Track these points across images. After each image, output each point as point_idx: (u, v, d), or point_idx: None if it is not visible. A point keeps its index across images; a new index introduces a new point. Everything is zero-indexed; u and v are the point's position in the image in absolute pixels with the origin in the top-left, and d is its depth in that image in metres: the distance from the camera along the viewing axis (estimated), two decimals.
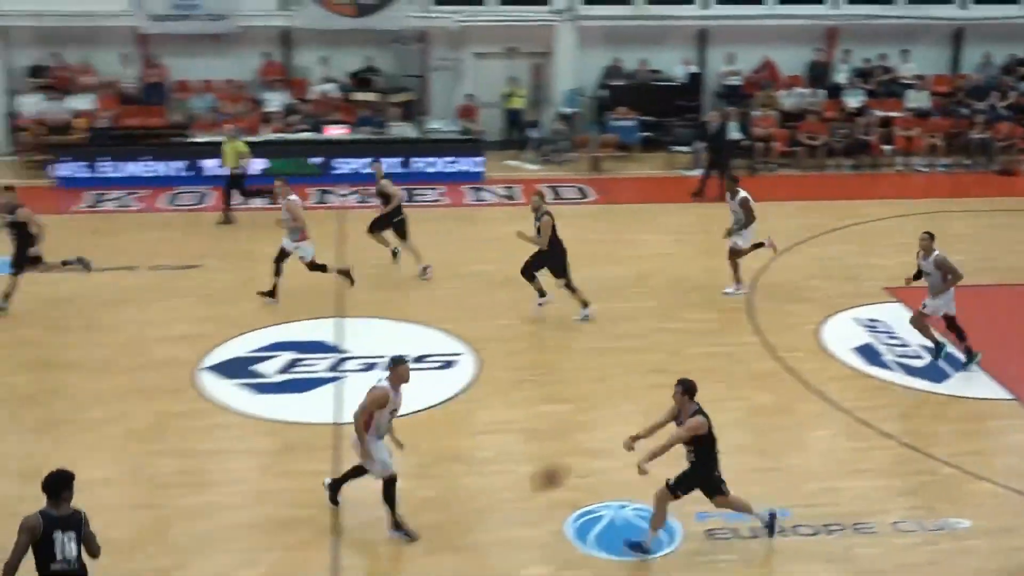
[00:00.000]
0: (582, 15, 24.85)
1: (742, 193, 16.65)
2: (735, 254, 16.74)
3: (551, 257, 15.62)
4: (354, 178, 22.05)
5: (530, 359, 14.78)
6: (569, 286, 15.76)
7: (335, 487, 11.16)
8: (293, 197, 16.45)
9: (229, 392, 13.71)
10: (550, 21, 24.86)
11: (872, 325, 15.70)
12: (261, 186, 19.99)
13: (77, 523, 8.36)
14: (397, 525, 10.73)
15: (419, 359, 14.61)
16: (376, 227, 17.82)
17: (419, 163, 22.81)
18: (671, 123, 24.42)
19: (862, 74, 25.99)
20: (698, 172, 22.60)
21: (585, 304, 15.82)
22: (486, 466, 12.24)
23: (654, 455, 10.10)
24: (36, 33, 23.75)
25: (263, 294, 16.24)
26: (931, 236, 14.29)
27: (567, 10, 24.78)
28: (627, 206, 21.62)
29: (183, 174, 22.03)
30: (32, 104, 23.41)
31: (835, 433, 13.23)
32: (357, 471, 11.04)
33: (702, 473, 10.30)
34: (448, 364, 14.59)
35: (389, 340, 15.10)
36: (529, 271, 15.79)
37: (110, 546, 10.58)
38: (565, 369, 14.50)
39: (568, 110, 24.82)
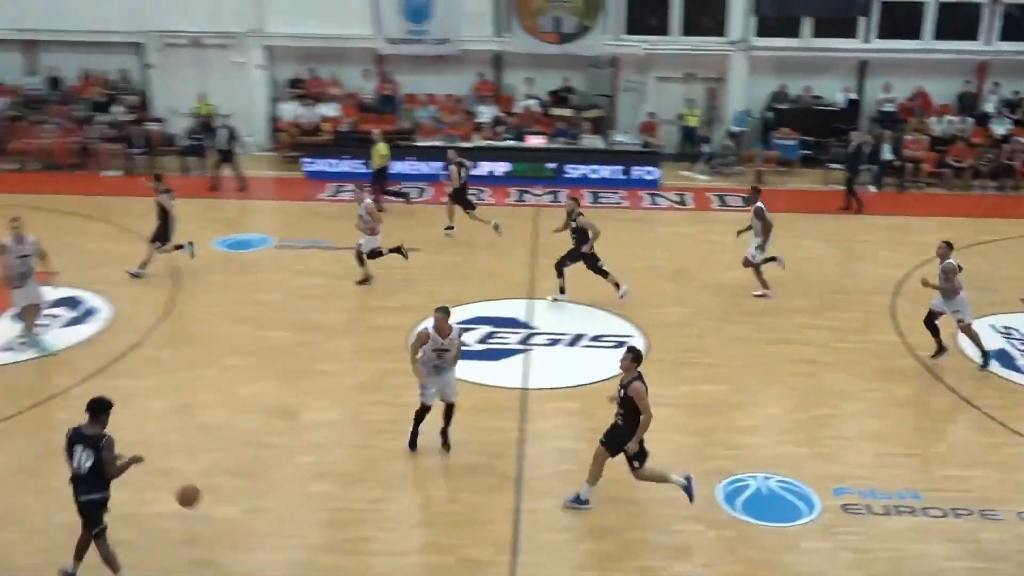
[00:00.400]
0: (754, 46, 24.20)
1: (758, 203, 16.04)
2: (747, 263, 16.06)
3: (579, 252, 15.36)
4: (582, 182, 22.22)
5: (693, 344, 14.52)
6: (560, 270, 15.58)
7: (445, 437, 11.50)
8: (368, 200, 16.49)
9: None
10: (726, 51, 24.30)
11: (1007, 332, 14.83)
12: (397, 185, 20.65)
13: (97, 444, 8.71)
14: (412, 441, 11.45)
15: (596, 338, 14.59)
16: (467, 207, 18.75)
17: (604, 170, 22.68)
18: (829, 143, 23.51)
19: (1009, 104, 24.45)
20: (872, 189, 22.10)
21: (563, 290, 15.62)
22: (650, 434, 12.06)
23: (637, 439, 10.05)
24: (296, 52, 24.63)
25: (401, 255, 16.44)
26: (949, 245, 13.65)
27: (741, 41, 24.18)
28: (786, 215, 20.82)
29: (409, 171, 22.50)
30: (290, 110, 24.29)
31: (966, 427, 12.57)
32: (448, 415, 11.45)
33: (623, 432, 10.14)
34: (621, 344, 14.38)
35: (571, 320, 15.12)
36: (597, 269, 15.54)
37: (334, 477, 11.02)
38: (723, 355, 14.20)
39: (737, 129, 24.23)
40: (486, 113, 24.02)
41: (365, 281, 16.38)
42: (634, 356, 10.13)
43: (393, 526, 10.30)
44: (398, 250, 16.54)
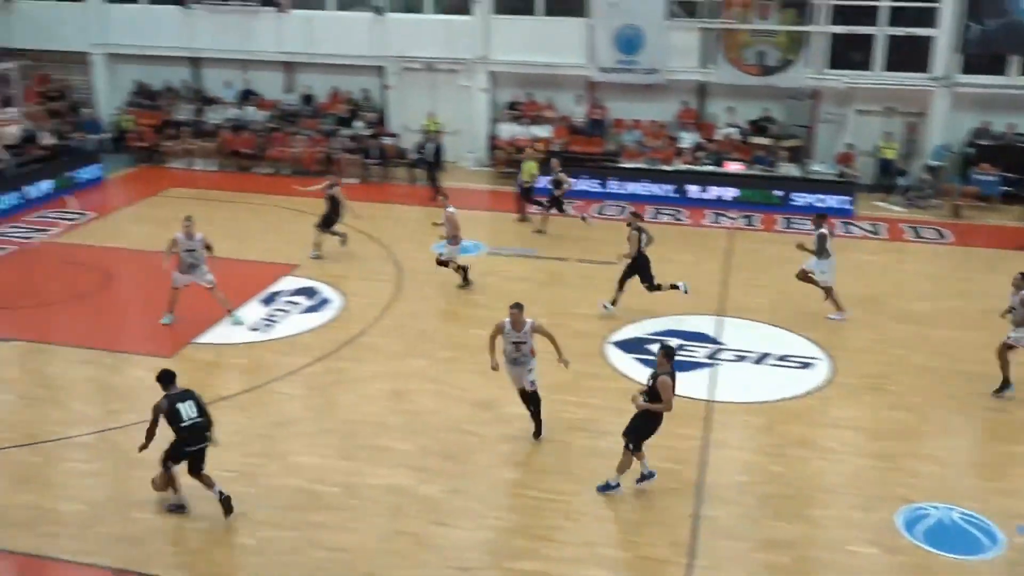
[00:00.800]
0: (958, 82, 22.73)
1: (820, 229, 15.28)
2: (804, 276, 15.41)
3: (638, 267, 15.17)
4: (808, 210, 21.25)
5: (879, 370, 13.74)
6: (652, 288, 15.31)
7: (538, 427, 11.62)
8: (451, 209, 16.45)
9: (627, 364, 13.80)
10: (928, 87, 22.93)
11: None
12: (544, 198, 20.30)
13: (192, 396, 9.71)
14: (536, 429, 11.65)
15: (782, 358, 14.04)
16: (552, 204, 19.68)
17: (799, 198, 21.84)
18: None
19: None
20: None
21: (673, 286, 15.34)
22: (830, 454, 11.55)
23: (646, 406, 10.16)
24: (516, 77, 25.00)
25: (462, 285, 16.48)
26: None
27: (944, 78, 22.76)
28: (980, 250, 19.57)
29: (611, 190, 22.46)
30: (507, 130, 24.70)
31: None
32: (526, 401, 11.63)
33: (640, 421, 10.24)
34: (806, 365, 13.88)
35: (759, 339, 14.60)
36: (623, 280, 15.31)
37: (527, 467, 11.08)
38: (910, 383, 13.35)
39: (935, 163, 22.80)
40: (687, 139, 23.62)
41: (465, 278, 16.55)
42: (666, 352, 10.20)
43: (578, 517, 10.24)
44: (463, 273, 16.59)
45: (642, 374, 13.33)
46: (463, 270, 16.60)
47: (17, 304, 15.77)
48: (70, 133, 24.90)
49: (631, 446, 10.39)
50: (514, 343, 11.33)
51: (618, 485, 10.52)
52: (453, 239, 16.45)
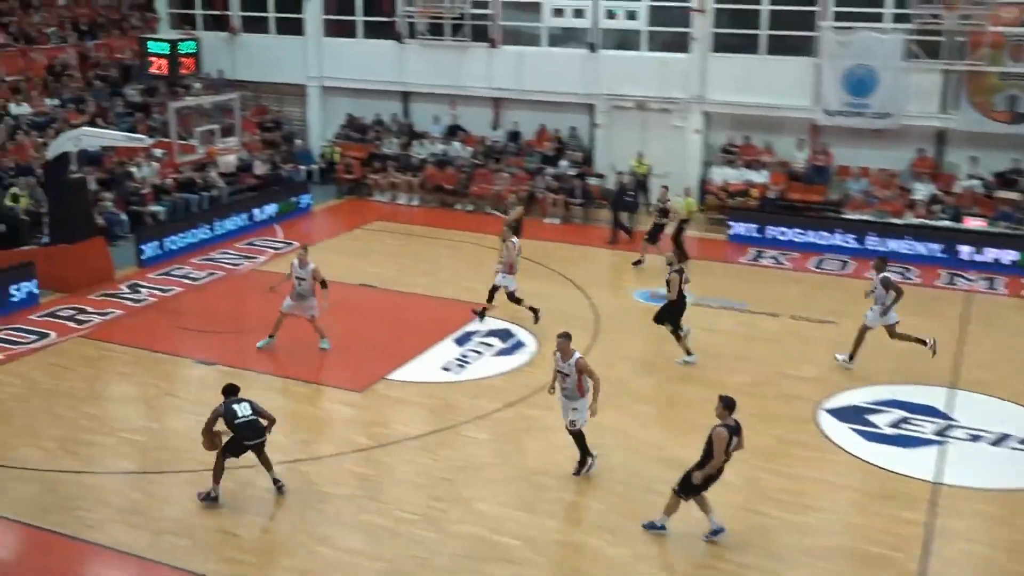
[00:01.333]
0: None
1: (884, 272, 14.94)
2: (891, 331, 14.93)
3: (677, 310, 15.19)
4: None
5: None
6: (675, 334, 15.29)
7: (581, 464, 11.85)
8: (513, 240, 16.91)
9: (842, 433, 13.12)
10: None
11: None
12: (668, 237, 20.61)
13: (248, 400, 11.12)
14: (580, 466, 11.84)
15: (1023, 442, 12.95)
16: (652, 237, 20.43)
17: None
18: None
19: None
20: None
21: (688, 352, 15.29)
22: None
23: (704, 476, 10.23)
24: (733, 119, 24.63)
25: (476, 313, 16.91)
26: None
27: None
28: None
29: (832, 243, 21.62)
30: (720, 173, 24.32)
31: None
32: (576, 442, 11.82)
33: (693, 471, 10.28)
34: None
35: (998, 418, 13.53)
36: (675, 326, 15.30)
37: (723, 538, 10.63)
38: None
39: None
40: (922, 191, 22.44)
41: (534, 311, 16.71)
42: (725, 404, 10.23)
43: None
44: (532, 309, 16.74)
45: (858, 447, 12.71)
46: (514, 300, 16.82)
47: (221, 329, 16.86)
48: (282, 163, 26.58)
49: (677, 488, 10.44)
50: (560, 373, 11.54)
51: (663, 527, 10.59)
52: (509, 268, 16.72)
